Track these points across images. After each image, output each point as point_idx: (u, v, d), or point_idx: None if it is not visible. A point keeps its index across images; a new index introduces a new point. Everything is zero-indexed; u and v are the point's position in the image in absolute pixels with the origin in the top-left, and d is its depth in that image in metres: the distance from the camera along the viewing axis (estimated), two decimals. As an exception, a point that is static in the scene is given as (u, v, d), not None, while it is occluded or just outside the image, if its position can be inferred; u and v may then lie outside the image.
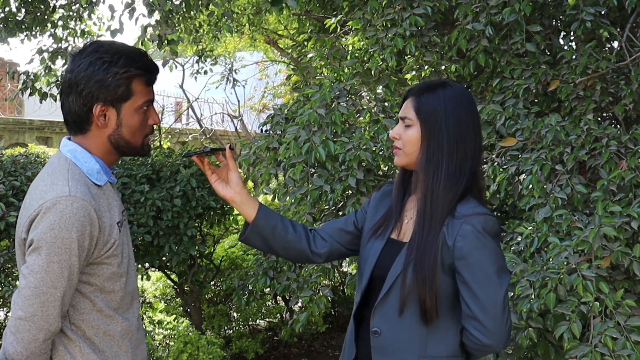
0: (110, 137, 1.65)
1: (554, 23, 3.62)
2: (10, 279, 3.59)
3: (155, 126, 1.77)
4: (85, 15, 5.37)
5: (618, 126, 3.38)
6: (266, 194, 3.94)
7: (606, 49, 3.57)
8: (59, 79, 5.23)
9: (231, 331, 5.26)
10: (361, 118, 3.53)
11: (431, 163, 1.68)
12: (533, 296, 2.39)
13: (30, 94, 5.17)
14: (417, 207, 1.71)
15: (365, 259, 1.80)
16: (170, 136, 9.11)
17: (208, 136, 9.12)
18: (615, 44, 3.51)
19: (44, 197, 1.53)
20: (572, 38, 3.81)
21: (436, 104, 1.69)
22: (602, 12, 3.22)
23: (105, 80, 1.59)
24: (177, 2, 4.63)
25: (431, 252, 1.63)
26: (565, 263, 2.40)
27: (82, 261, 1.55)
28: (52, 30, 5.28)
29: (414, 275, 1.63)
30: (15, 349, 1.50)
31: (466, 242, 1.61)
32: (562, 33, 3.77)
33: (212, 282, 5.07)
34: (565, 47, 3.70)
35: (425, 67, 3.79)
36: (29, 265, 1.51)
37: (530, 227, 2.70)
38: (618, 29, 3.46)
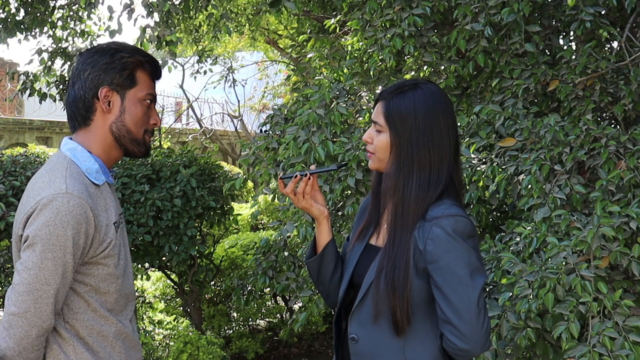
0: (113, 125, 1.66)
1: (553, 23, 3.62)
2: (10, 278, 3.59)
3: (155, 128, 1.79)
4: (85, 15, 5.37)
5: (617, 126, 3.38)
6: (266, 194, 3.94)
7: (606, 49, 3.57)
8: (59, 79, 5.24)
9: (231, 331, 5.27)
10: (360, 118, 3.53)
11: (401, 172, 1.63)
12: (531, 296, 2.39)
13: (30, 95, 5.18)
14: (389, 216, 1.68)
15: (347, 265, 1.79)
16: (170, 136, 9.12)
17: (208, 136, 9.12)
18: (615, 44, 3.51)
19: (40, 194, 1.53)
20: (571, 38, 3.81)
21: (405, 109, 1.63)
22: (602, 12, 3.22)
23: (112, 63, 1.64)
24: (177, 2, 4.63)
25: (402, 260, 1.60)
26: (563, 263, 2.40)
27: (77, 259, 1.55)
28: (52, 30, 5.28)
29: (385, 284, 1.61)
30: (7, 344, 1.50)
31: (436, 246, 1.57)
32: (562, 33, 3.77)
33: (212, 282, 5.08)
34: (565, 47, 3.70)
35: (425, 68, 3.79)
36: (23, 261, 1.52)
37: (529, 227, 2.70)
38: (618, 29, 3.46)
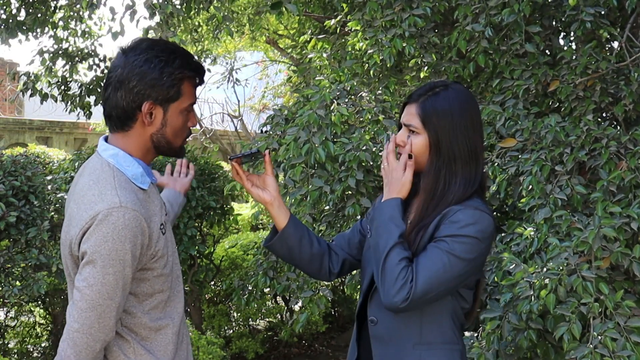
0: (153, 136, 1.65)
1: (554, 24, 3.62)
2: (10, 278, 3.59)
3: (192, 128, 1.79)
4: (86, 15, 5.36)
5: (618, 127, 3.38)
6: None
7: (607, 49, 3.56)
8: (60, 79, 5.24)
9: (231, 331, 5.27)
10: (361, 119, 3.53)
11: (442, 171, 1.65)
12: (533, 297, 2.39)
13: (31, 95, 5.18)
14: (418, 210, 1.70)
15: (368, 260, 1.79)
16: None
17: (208, 136, 9.12)
18: (615, 45, 3.51)
19: (93, 208, 1.52)
20: (572, 38, 3.81)
21: (442, 108, 1.65)
22: (602, 13, 3.22)
23: (160, 80, 1.59)
24: (177, 2, 4.62)
25: (423, 241, 1.64)
26: (565, 264, 2.40)
27: (135, 270, 1.56)
28: (53, 31, 5.28)
29: None
30: None
31: (455, 215, 1.61)
32: (563, 34, 3.77)
33: (212, 282, 5.08)
34: (565, 48, 3.70)
35: (425, 68, 3.79)
36: (84, 278, 1.51)
37: (530, 228, 2.70)
38: (618, 30, 3.46)
